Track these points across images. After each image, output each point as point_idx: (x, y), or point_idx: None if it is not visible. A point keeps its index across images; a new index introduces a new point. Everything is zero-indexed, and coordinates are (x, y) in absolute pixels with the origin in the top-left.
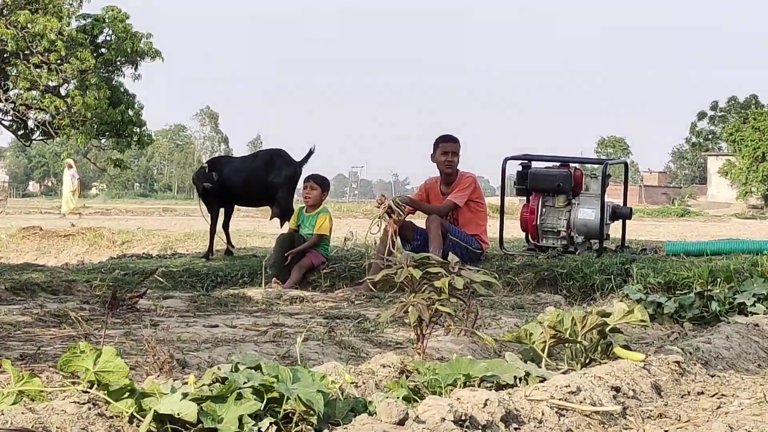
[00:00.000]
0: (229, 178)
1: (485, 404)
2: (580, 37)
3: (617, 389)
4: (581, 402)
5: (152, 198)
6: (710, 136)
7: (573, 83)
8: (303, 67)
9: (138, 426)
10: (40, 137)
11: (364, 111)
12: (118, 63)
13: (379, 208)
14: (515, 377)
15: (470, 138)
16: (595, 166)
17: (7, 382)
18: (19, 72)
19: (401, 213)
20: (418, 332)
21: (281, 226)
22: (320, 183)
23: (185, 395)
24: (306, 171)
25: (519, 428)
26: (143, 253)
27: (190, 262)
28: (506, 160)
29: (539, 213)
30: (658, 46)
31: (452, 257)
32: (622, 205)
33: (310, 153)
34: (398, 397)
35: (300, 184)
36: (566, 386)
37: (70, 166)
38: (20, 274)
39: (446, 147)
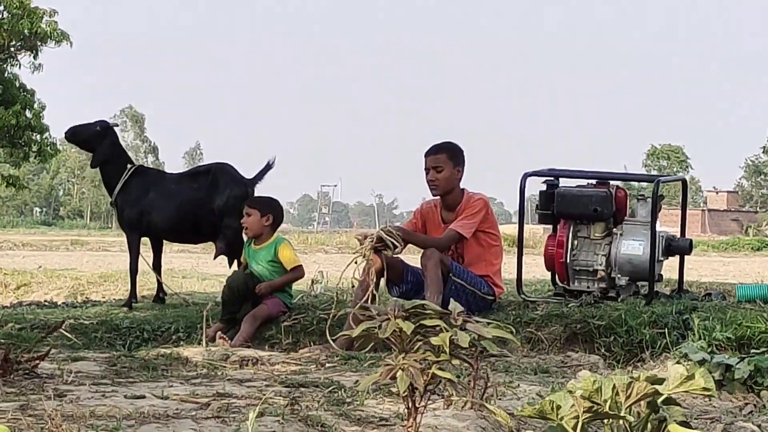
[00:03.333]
0: (158, 205)
1: None
2: (621, 15)
3: None
4: None
5: (57, 227)
6: None
7: (614, 76)
8: (256, 57)
9: None
10: None
11: (338, 114)
12: (12, 49)
13: (361, 245)
14: None
15: (479, 149)
16: (644, 184)
17: None
18: None
19: (396, 244)
20: (410, 405)
21: (230, 265)
22: (258, 206)
23: None
24: (261, 191)
25: None
26: (45, 301)
27: (108, 312)
28: (526, 176)
29: (570, 246)
30: (721, 25)
31: (455, 305)
32: (679, 236)
33: (267, 168)
34: None
35: None
36: None
37: None
38: None
39: (426, 162)
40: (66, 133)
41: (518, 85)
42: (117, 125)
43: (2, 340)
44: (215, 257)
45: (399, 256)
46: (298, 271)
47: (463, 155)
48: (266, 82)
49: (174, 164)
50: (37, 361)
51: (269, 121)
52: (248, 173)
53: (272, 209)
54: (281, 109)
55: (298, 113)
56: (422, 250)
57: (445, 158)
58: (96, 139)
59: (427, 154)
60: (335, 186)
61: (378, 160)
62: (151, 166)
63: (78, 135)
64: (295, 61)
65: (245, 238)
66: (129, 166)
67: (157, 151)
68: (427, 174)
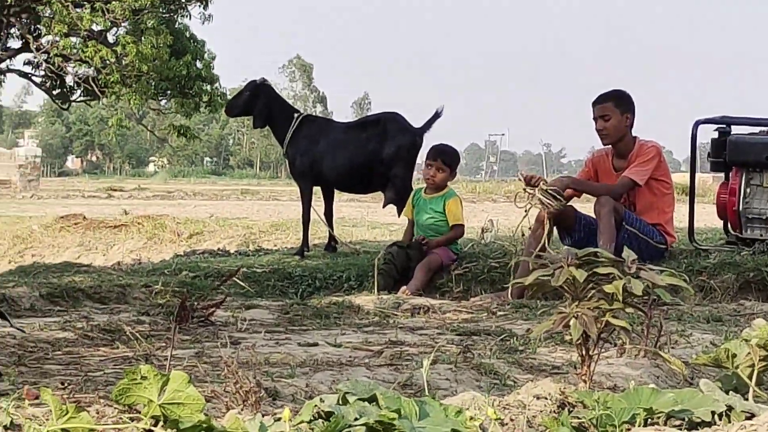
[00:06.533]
0: (329, 155)
1: None
2: None
3: None
4: None
5: (227, 177)
6: None
7: None
8: (424, 7)
9: None
10: (82, 98)
11: (505, 63)
12: (183, 0)
13: (526, 190)
14: (713, 412)
15: (649, 97)
16: None
17: (47, 418)
18: (54, 12)
19: (557, 203)
20: (583, 353)
21: (399, 214)
22: (451, 163)
23: None
24: (429, 140)
25: None
26: (218, 249)
27: (280, 260)
28: (697, 124)
29: (742, 194)
30: None
31: (628, 253)
32: None
33: (435, 116)
34: None
35: (420, 158)
36: None
37: None
38: (59, 276)
39: (593, 111)
40: (224, 111)
41: (689, 31)
42: (265, 79)
43: (177, 288)
44: (384, 206)
45: (570, 204)
46: (458, 230)
47: (631, 101)
48: (433, 32)
49: (342, 114)
50: (212, 309)
51: (437, 71)
52: (416, 123)
53: (456, 163)
54: (448, 58)
55: (466, 62)
56: (595, 199)
57: (612, 106)
58: (250, 103)
59: (594, 104)
60: (503, 135)
61: (546, 109)
62: (319, 115)
63: (234, 108)
64: (461, 10)
65: (416, 188)
66: (296, 115)
67: (326, 101)
68: (595, 123)
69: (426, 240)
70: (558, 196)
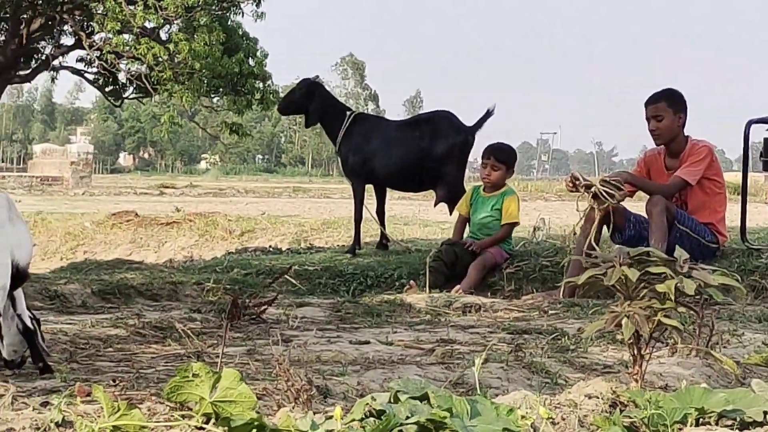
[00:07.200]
0: (381, 153)
1: None
2: None
3: None
4: None
5: (279, 174)
6: None
7: None
8: (477, 5)
9: None
10: (134, 95)
11: (557, 61)
12: None
13: (574, 190)
14: (765, 412)
15: (701, 96)
16: None
17: (98, 415)
18: (106, 9)
19: (619, 193)
20: (635, 352)
21: (450, 212)
22: (505, 160)
23: None
24: (481, 138)
25: None
26: (269, 247)
27: (331, 258)
28: (750, 123)
29: None
30: None
31: (680, 253)
32: None
33: (487, 115)
34: None
35: (472, 156)
36: None
37: None
38: (111, 273)
39: (646, 111)
40: (277, 109)
41: (742, 28)
42: (318, 77)
43: (228, 286)
44: (435, 204)
45: (622, 204)
46: (506, 230)
47: (683, 101)
48: (486, 30)
49: (394, 112)
50: (264, 307)
51: (489, 69)
52: (468, 121)
53: (514, 164)
54: (501, 57)
55: (519, 61)
56: (646, 198)
57: (665, 106)
58: (303, 101)
59: (646, 104)
60: (555, 134)
61: (598, 108)
62: (371, 113)
63: (288, 106)
64: (515, 10)
65: (471, 185)
66: (348, 113)
67: (378, 99)
68: (648, 123)
69: (471, 243)
70: (619, 186)
